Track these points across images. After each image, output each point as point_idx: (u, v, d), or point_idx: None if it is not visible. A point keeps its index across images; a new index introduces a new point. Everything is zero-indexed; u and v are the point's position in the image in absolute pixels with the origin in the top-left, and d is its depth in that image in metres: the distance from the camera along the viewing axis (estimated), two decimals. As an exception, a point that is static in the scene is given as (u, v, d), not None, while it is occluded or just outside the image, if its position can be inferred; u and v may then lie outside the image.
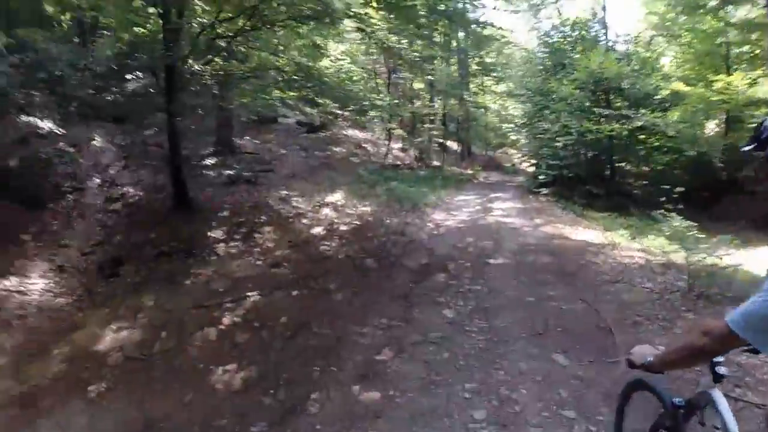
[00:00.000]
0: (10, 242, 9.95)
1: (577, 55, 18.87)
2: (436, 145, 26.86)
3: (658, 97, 16.81)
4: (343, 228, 11.12)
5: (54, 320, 7.93)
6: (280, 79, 13.05)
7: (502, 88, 32.67)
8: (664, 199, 9.20)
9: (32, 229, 10.56)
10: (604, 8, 21.91)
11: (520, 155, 37.05)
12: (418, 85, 25.78)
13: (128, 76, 12.42)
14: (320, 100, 15.59)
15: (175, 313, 7.20)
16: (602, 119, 16.04)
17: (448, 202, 16.46)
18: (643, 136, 16.25)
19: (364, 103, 17.14)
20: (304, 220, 11.62)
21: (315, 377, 5.12)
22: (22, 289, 8.87)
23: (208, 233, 10.69)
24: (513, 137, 36.32)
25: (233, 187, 13.16)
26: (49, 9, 12.42)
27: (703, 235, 7.92)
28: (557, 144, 17.36)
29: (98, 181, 12.64)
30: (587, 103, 17.04)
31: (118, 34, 12.41)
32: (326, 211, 12.35)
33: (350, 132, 22.94)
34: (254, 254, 9.70)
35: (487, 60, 30.38)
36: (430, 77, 23.76)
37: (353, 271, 8.53)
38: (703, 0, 16.48)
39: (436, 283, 7.81)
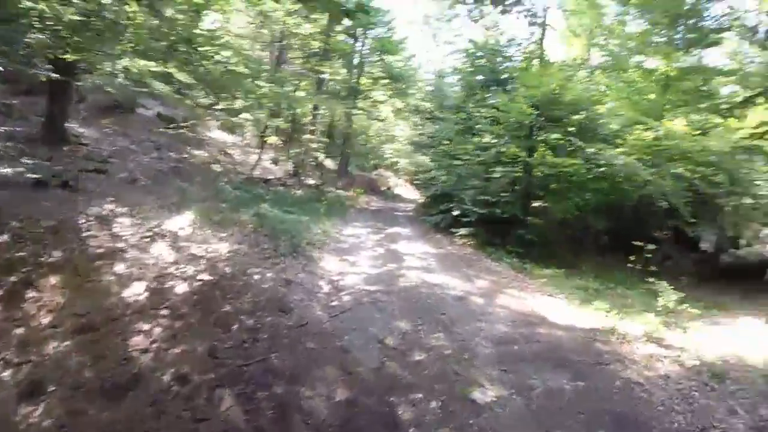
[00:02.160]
0: None
1: (517, 73, 15.37)
2: (312, 159, 22.37)
3: (604, 132, 13.66)
4: (181, 289, 6.21)
5: None
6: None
7: (395, 103, 28.35)
8: (633, 258, 9.35)
9: None
10: (543, 30, 18.59)
11: (401, 179, 33.99)
12: (301, 92, 21.12)
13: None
14: (188, 80, 10.71)
15: None
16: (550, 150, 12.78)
17: (338, 238, 12.12)
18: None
19: (246, 93, 12.26)
20: (120, 266, 6.60)
21: None
22: None
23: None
24: (393, 159, 33.13)
25: (41, 193, 8.04)
26: None
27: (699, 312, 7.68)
28: (494, 175, 13.54)
29: None
30: (538, 129, 13.58)
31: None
32: (160, 248, 7.40)
33: (216, 134, 17.94)
34: (11, 344, 4.74)
35: (394, 70, 25.14)
36: (324, 75, 19.32)
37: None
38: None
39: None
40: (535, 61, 17.29)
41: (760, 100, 13.15)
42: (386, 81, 24.47)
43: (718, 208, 13.38)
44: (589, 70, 17.75)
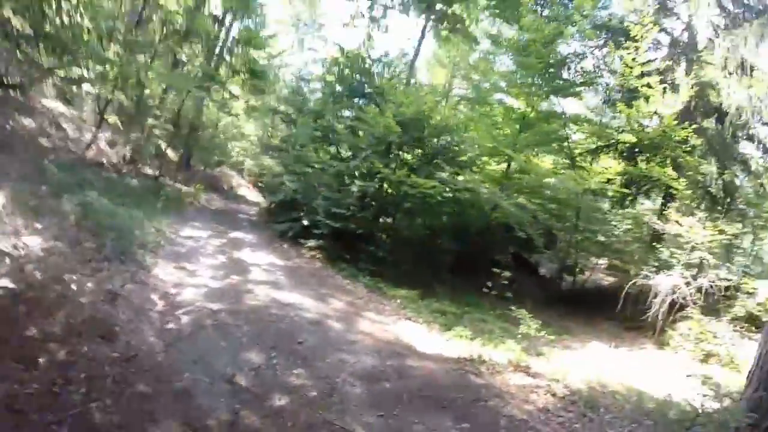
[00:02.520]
0: None
1: (386, 88, 14.97)
2: (154, 147, 20.27)
3: (460, 158, 13.83)
4: (-27, 298, 4.79)
5: None
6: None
7: (250, 100, 26.43)
8: (490, 284, 9.08)
9: None
10: (416, 52, 18.46)
11: (244, 179, 32.36)
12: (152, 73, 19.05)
13: None
14: (27, 31, 8.84)
15: None
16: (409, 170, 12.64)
17: (175, 240, 10.79)
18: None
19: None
20: None
21: None
22: None
23: None
24: (239, 158, 31.46)
25: None
26: None
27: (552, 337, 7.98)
28: (352, 188, 12.94)
29: None
30: (399, 147, 13.35)
31: None
32: (-47, 237, 5.84)
33: (51, 103, 15.31)
34: None
35: (256, 65, 22.95)
36: (182, 56, 17.46)
37: None
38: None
39: None
40: (403, 80, 17.22)
41: (610, 150, 14.57)
42: (246, 75, 22.79)
43: (557, 237, 14.26)
44: (454, 98, 18.16)
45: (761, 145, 14.29)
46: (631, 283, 10.56)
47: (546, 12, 15.66)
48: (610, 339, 10.59)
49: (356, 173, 13.42)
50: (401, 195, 12.70)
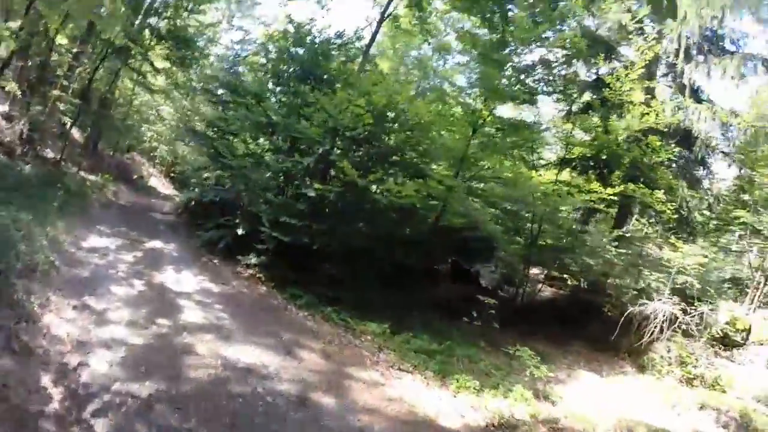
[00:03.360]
0: None
1: (346, 74, 12.59)
2: (56, 125, 16.56)
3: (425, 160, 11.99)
4: None
5: None
6: None
7: (175, 74, 22.25)
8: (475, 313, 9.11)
9: None
10: (373, 37, 15.93)
11: (155, 168, 28.62)
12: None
13: None
14: None
15: None
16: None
17: (75, 256, 7.95)
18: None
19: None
20: None
21: None
22: None
23: None
24: (153, 144, 27.71)
25: None
26: None
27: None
28: (309, 193, 10.18)
29: None
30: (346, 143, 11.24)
31: None
32: None
33: None
34: None
35: (186, 32, 18.82)
36: (101, 9, 13.98)
37: None
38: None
39: None
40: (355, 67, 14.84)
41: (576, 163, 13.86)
42: (171, 44, 18.53)
43: (496, 247, 12.89)
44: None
45: (709, 171, 14.33)
46: (629, 311, 9.37)
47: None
48: (588, 364, 9.58)
49: (304, 172, 11.00)
50: (361, 202, 10.51)
